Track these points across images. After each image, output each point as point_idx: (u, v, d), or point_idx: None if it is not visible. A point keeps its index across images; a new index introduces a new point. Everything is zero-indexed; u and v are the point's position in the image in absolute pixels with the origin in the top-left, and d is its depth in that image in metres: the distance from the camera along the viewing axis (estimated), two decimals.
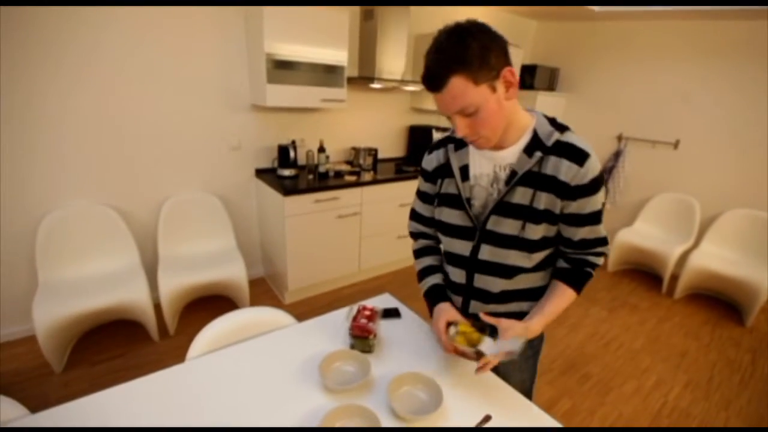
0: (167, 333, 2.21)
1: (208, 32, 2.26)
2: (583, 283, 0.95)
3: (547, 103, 3.75)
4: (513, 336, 0.86)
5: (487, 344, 0.88)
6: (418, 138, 3.37)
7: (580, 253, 0.94)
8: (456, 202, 0.96)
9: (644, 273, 3.48)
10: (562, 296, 0.94)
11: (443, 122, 3.64)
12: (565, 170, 0.81)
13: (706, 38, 3.09)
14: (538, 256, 0.94)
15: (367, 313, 1.05)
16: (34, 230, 1.97)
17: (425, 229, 1.13)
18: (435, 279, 1.09)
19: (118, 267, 2.14)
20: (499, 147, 0.87)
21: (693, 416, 1.92)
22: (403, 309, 1.25)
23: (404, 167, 3.12)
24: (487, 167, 0.91)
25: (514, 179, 0.86)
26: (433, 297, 1.06)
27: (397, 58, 2.85)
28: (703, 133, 3.22)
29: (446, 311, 1.00)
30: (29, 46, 1.81)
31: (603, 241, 0.93)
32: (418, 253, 1.16)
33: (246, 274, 2.29)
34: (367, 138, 3.21)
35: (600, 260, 0.95)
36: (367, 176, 2.77)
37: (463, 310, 1.06)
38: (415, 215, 1.14)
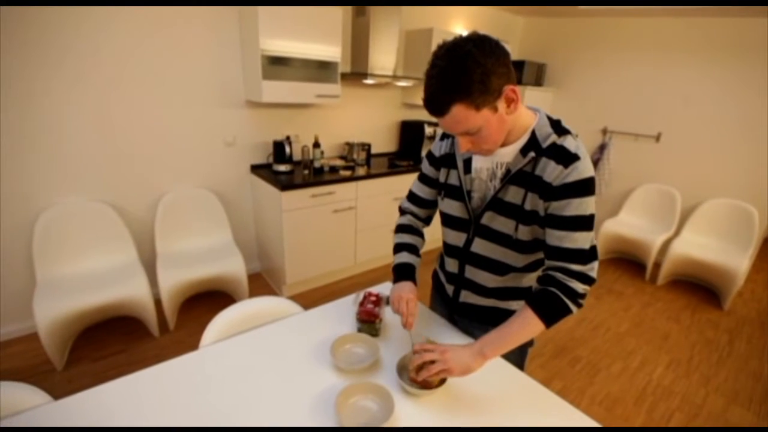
0: (167, 328, 2.23)
1: (202, 29, 2.26)
2: (550, 309, 0.83)
3: (534, 98, 3.84)
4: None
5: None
6: (410, 133, 3.42)
7: (555, 267, 0.85)
8: (457, 193, 0.99)
9: (629, 261, 3.62)
10: (519, 321, 0.85)
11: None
12: (550, 171, 0.82)
13: (686, 34, 3.21)
14: (529, 258, 0.96)
15: (373, 298, 1.10)
16: (31, 227, 1.97)
17: (414, 209, 1.16)
18: (406, 257, 1.09)
19: (116, 264, 2.14)
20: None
21: (675, 393, 2.03)
22: None
23: (397, 162, 3.17)
24: (486, 162, 0.93)
25: (507, 177, 0.88)
26: (398, 273, 1.07)
27: (389, 54, 2.89)
28: (683, 126, 3.35)
29: (405, 289, 1.01)
30: (29, 44, 1.79)
31: (582, 256, 0.82)
32: (398, 228, 1.16)
33: (244, 269, 2.32)
34: (360, 133, 3.25)
35: (577, 286, 0.82)
36: (361, 171, 2.82)
37: (454, 300, 1.11)
38: (409, 195, 1.16)
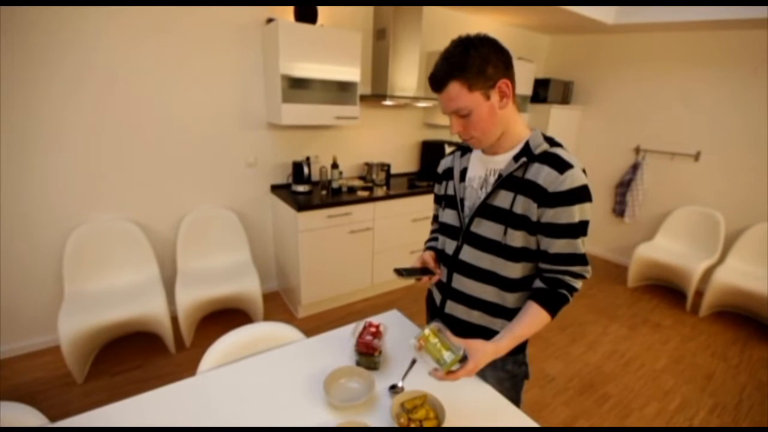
0: (183, 345, 2.26)
1: (228, 53, 2.37)
2: (557, 306, 0.92)
3: (561, 116, 3.73)
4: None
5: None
6: (431, 153, 3.39)
7: (556, 271, 0.92)
8: (452, 202, 1.04)
9: (666, 289, 3.36)
10: (535, 318, 0.91)
11: (456, 138, 3.66)
12: (544, 176, 0.86)
13: (725, 48, 3.03)
14: (517, 268, 0.95)
15: (373, 330, 1.06)
16: (63, 244, 2.08)
17: (437, 228, 1.21)
18: (432, 243, 1.22)
19: (139, 280, 2.22)
20: (494, 153, 0.96)
21: None
22: (409, 324, 1.25)
23: (417, 182, 3.14)
24: (480, 170, 0.99)
25: (498, 181, 0.93)
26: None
27: (409, 76, 2.90)
28: (725, 144, 3.13)
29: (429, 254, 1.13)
30: (56, 60, 1.94)
31: (580, 259, 0.90)
32: (427, 242, 1.27)
33: (260, 289, 2.33)
34: (379, 153, 3.26)
35: (578, 283, 0.92)
36: (379, 191, 2.80)
37: (440, 309, 1.12)
38: (433, 217, 1.27)
